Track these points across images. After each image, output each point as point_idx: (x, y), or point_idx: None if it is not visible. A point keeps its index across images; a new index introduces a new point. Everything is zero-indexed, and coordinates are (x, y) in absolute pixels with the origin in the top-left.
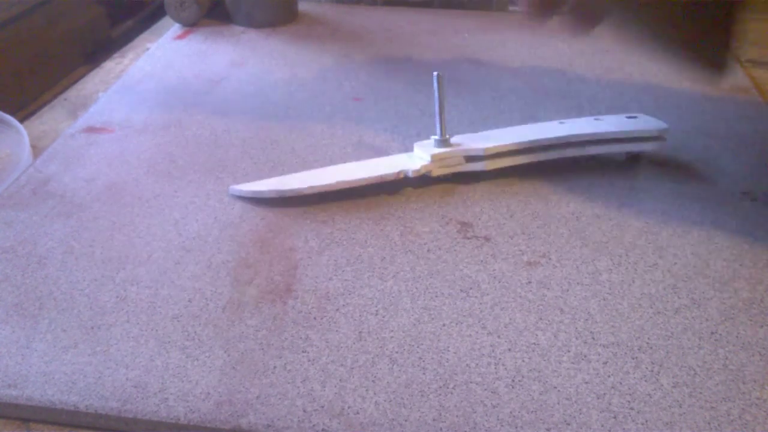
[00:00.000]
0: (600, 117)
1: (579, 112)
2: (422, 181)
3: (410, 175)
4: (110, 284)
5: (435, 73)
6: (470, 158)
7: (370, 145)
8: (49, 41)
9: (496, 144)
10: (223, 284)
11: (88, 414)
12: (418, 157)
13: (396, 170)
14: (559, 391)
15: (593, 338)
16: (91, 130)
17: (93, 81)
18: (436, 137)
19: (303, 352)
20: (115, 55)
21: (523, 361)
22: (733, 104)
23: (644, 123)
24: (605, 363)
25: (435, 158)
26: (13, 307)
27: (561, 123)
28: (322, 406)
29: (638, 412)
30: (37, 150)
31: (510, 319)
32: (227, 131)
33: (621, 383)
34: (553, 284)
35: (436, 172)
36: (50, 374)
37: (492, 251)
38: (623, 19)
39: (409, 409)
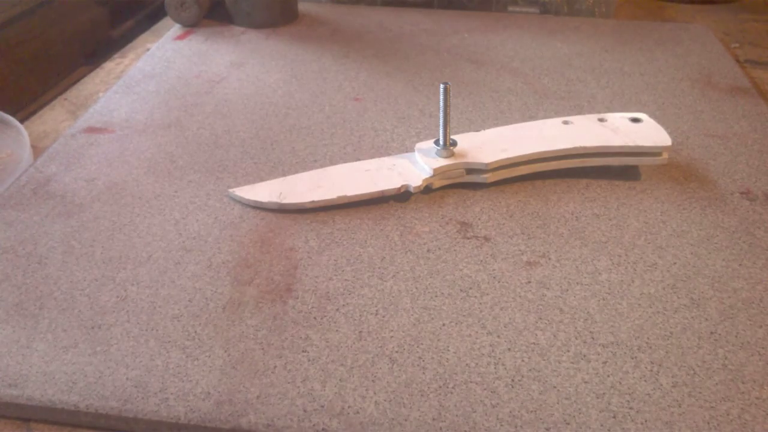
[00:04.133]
0: (603, 116)
1: (579, 112)
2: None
3: (411, 190)
4: (110, 284)
5: (442, 85)
6: (472, 170)
7: (370, 145)
8: (49, 41)
9: (498, 158)
10: (223, 284)
11: (88, 414)
12: (419, 169)
13: (397, 185)
14: (558, 390)
15: (593, 338)
16: (91, 130)
17: (93, 81)
18: (439, 147)
19: (303, 352)
20: (116, 55)
21: (523, 360)
22: (733, 104)
23: (648, 131)
24: (605, 363)
25: (437, 171)
26: (13, 306)
27: (564, 122)
28: (322, 406)
29: (637, 412)
30: (37, 150)
31: (510, 319)
32: (227, 131)
33: (620, 383)
34: (552, 284)
35: (438, 184)
36: (50, 374)
37: (492, 251)
38: None
39: (409, 408)
